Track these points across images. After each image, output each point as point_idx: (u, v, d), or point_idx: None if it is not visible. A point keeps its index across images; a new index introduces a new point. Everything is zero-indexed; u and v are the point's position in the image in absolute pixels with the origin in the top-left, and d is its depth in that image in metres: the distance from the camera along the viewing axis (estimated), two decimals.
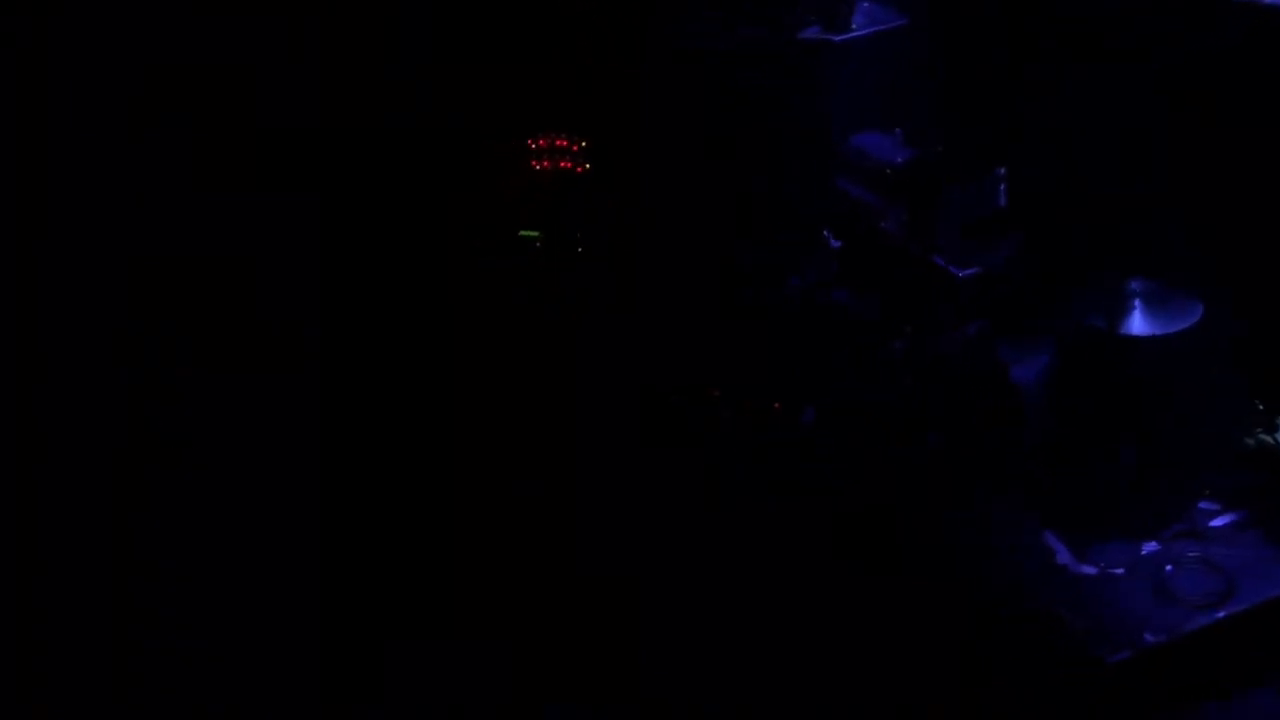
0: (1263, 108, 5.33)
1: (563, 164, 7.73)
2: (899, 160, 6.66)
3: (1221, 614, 4.90)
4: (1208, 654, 4.89)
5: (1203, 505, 5.26)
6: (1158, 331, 5.08)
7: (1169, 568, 5.08)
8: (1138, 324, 5.12)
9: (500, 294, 7.11)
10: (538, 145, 7.71)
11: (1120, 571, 5.14)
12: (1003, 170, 6.38)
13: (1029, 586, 5.21)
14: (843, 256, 6.91)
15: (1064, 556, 5.29)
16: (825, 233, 6.97)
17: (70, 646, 5.09)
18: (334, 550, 5.65)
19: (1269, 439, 5.23)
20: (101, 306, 5.74)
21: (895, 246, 6.71)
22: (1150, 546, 5.15)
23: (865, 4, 7.15)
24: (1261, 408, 5.28)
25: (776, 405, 6.90)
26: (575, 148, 7.62)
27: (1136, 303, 5.16)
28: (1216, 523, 5.22)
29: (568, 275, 7.43)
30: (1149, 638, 4.83)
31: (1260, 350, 5.46)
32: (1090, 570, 5.20)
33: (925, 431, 6.13)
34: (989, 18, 6.45)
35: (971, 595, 5.45)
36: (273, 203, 6.45)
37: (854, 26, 7.00)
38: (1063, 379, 5.45)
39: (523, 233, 7.44)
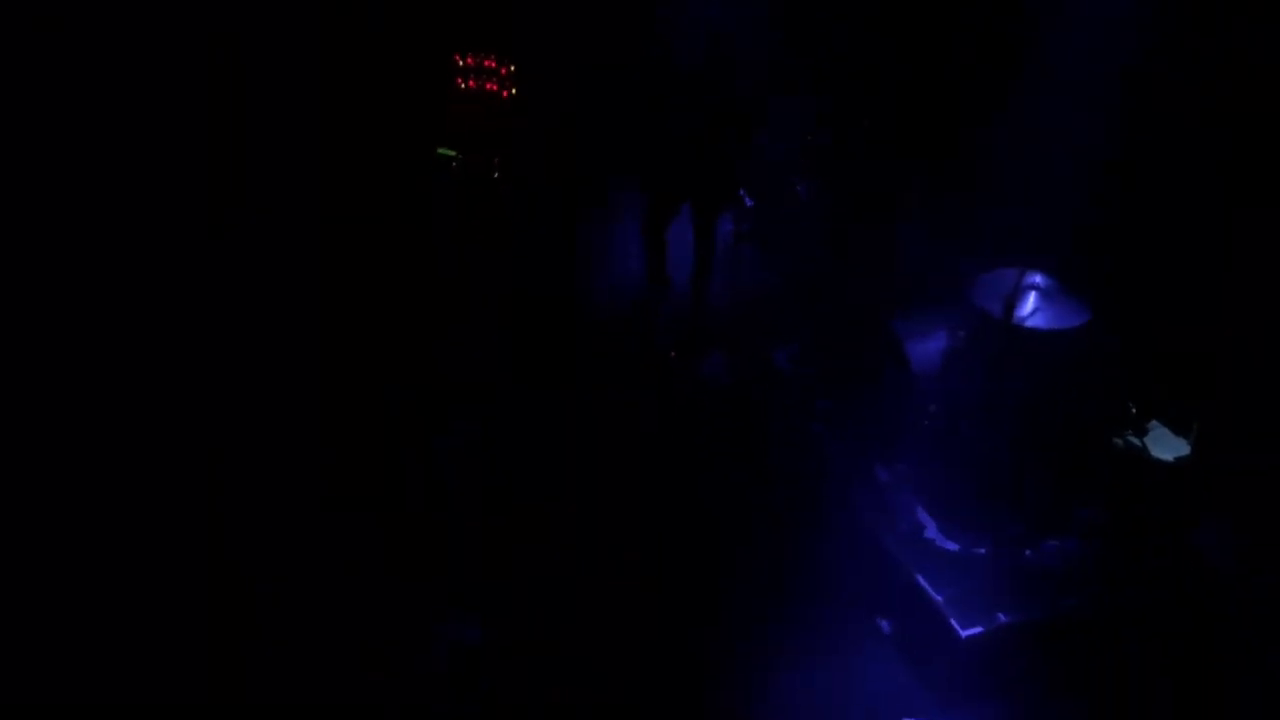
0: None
1: (488, 85, 7.59)
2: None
3: (1073, 601, 5.16)
4: (1055, 637, 5.14)
5: (1069, 497, 5.47)
6: (1050, 326, 5.25)
7: (1028, 553, 5.30)
8: (1031, 316, 5.28)
9: (413, 209, 6.99)
10: (465, 63, 7.55)
11: (982, 551, 5.35)
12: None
13: (894, 555, 5.38)
14: (756, 214, 6.97)
15: (931, 531, 5.47)
16: (741, 192, 7.01)
17: None
18: None
19: (1136, 442, 5.47)
20: None
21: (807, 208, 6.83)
22: (1014, 531, 5.34)
23: None
24: (1134, 411, 5.51)
25: (672, 354, 6.98)
26: (503, 70, 7.49)
27: (1034, 296, 5.32)
28: (1080, 515, 5.44)
29: (479, 197, 7.33)
30: (1001, 617, 5.05)
31: (1140, 357, 5.72)
32: (953, 547, 5.39)
33: (815, 398, 6.28)
34: None
35: (837, 558, 5.61)
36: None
37: None
38: (954, 360, 5.60)
39: (440, 150, 7.30)
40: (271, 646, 5.12)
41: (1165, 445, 5.52)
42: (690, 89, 6.66)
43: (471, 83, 7.59)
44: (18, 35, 5.53)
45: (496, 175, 7.32)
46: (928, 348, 5.70)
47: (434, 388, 6.43)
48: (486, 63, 7.60)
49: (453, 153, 7.41)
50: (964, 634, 4.97)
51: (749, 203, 7.00)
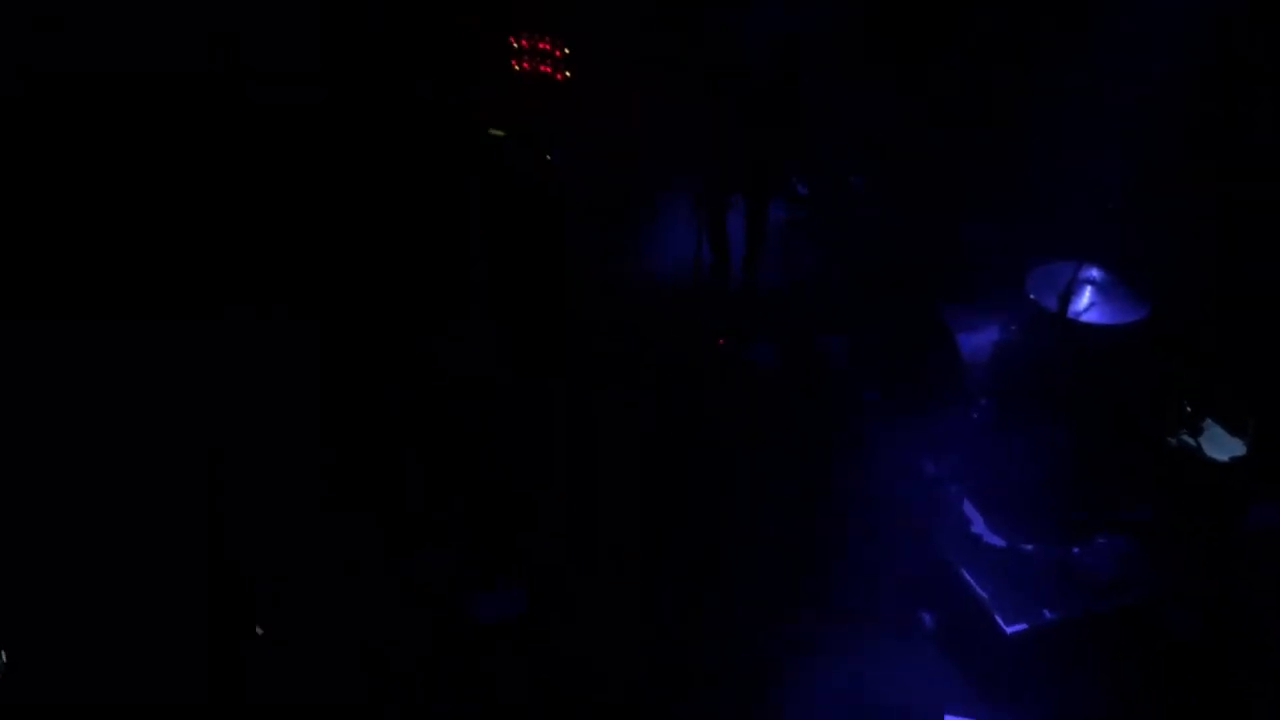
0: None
1: (543, 68, 7.58)
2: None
3: (1120, 600, 5.10)
4: (1101, 635, 5.08)
5: (1119, 495, 5.40)
6: (1106, 321, 5.18)
7: (1076, 550, 5.24)
8: (1087, 311, 5.21)
9: (464, 187, 7.00)
10: (520, 45, 7.55)
11: (1029, 548, 5.29)
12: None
13: (940, 549, 5.33)
14: (810, 202, 6.93)
15: (978, 526, 5.42)
16: (794, 180, 6.98)
17: None
18: None
19: (1190, 441, 5.38)
20: None
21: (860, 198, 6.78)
22: (1062, 528, 5.28)
23: None
24: (1189, 409, 5.41)
25: (721, 341, 6.96)
26: (559, 53, 7.48)
27: (1089, 291, 5.25)
28: (1131, 514, 5.37)
29: (529, 181, 7.34)
30: (1047, 614, 5.00)
31: (1195, 354, 5.63)
32: (999, 543, 5.34)
33: (864, 390, 6.24)
34: None
35: (883, 551, 5.58)
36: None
37: None
38: (1006, 353, 5.55)
39: (491, 130, 7.31)
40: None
41: (1220, 445, 5.41)
42: (749, 80, 6.63)
43: (526, 65, 7.60)
44: None
45: (547, 159, 7.31)
46: (979, 340, 5.65)
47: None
48: (541, 45, 7.60)
49: (502, 133, 7.41)
50: (1009, 630, 4.92)
51: (802, 191, 6.96)
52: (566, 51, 7.54)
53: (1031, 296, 5.27)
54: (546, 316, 7.06)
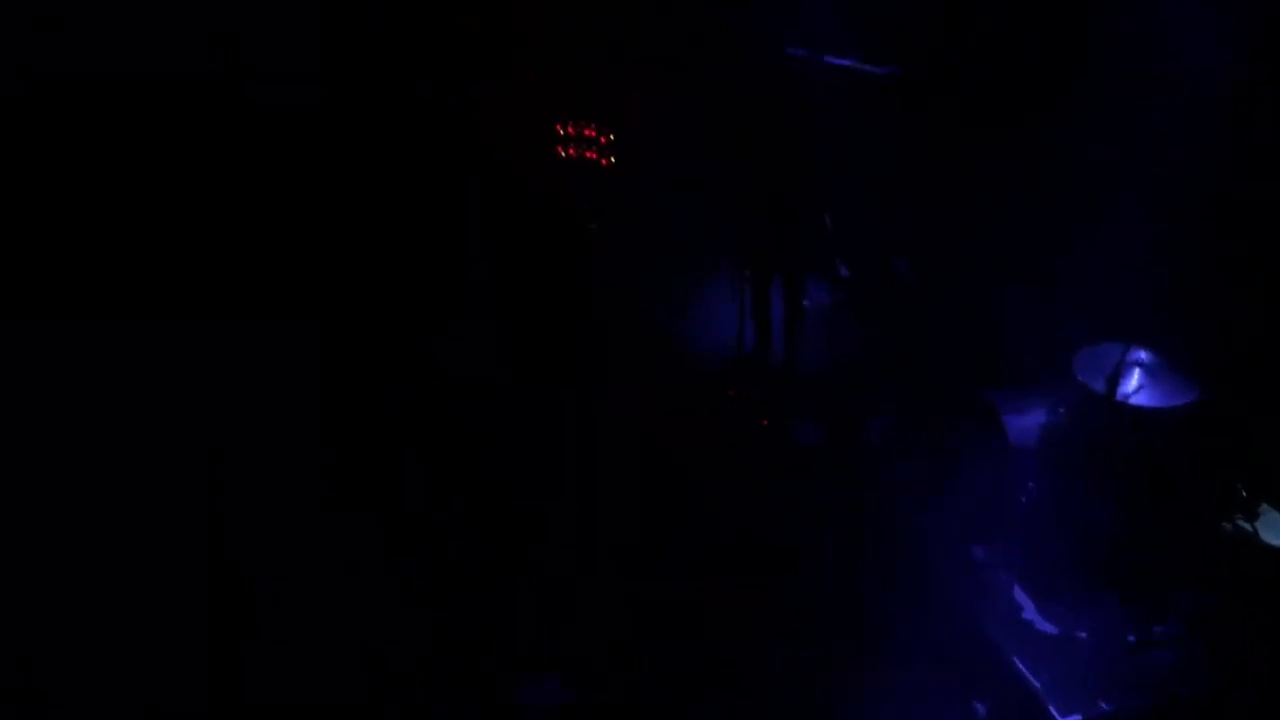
0: None
1: (588, 154, 7.72)
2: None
3: (1178, 691, 4.96)
4: None
5: (1175, 582, 5.28)
6: (1155, 404, 5.12)
7: (1132, 638, 5.11)
8: (1136, 394, 5.16)
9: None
10: (566, 131, 7.71)
11: (1083, 635, 5.18)
12: None
13: (991, 636, 5.23)
14: (852, 284, 6.95)
15: (1030, 612, 5.32)
16: (838, 261, 7.01)
17: None
18: None
19: (1246, 526, 5.26)
20: None
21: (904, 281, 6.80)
22: (1117, 615, 5.17)
23: None
24: (1244, 493, 5.31)
25: (764, 422, 6.94)
26: (604, 139, 7.62)
27: (1138, 373, 5.20)
28: (1186, 603, 5.24)
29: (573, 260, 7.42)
30: (1103, 705, 4.87)
31: (1250, 437, 5.53)
32: (1052, 630, 5.23)
33: (908, 472, 6.18)
34: None
35: (934, 639, 5.49)
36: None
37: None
38: (1055, 437, 5.49)
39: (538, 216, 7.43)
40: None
41: (1277, 530, 5.30)
42: (790, 164, 6.70)
43: (571, 150, 7.74)
44: None
45: (591, 241, 7.42)
46: (1026, 423, 5.60)
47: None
48: (587, 131, 7.74)
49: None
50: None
51: (844, 273, 6.98)
52: (611, 138, 7.68)
53: (1079, 379, 5.23)
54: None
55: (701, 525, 5.97)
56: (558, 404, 6.62)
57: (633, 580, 5.66)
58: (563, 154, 7.69)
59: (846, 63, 6.80)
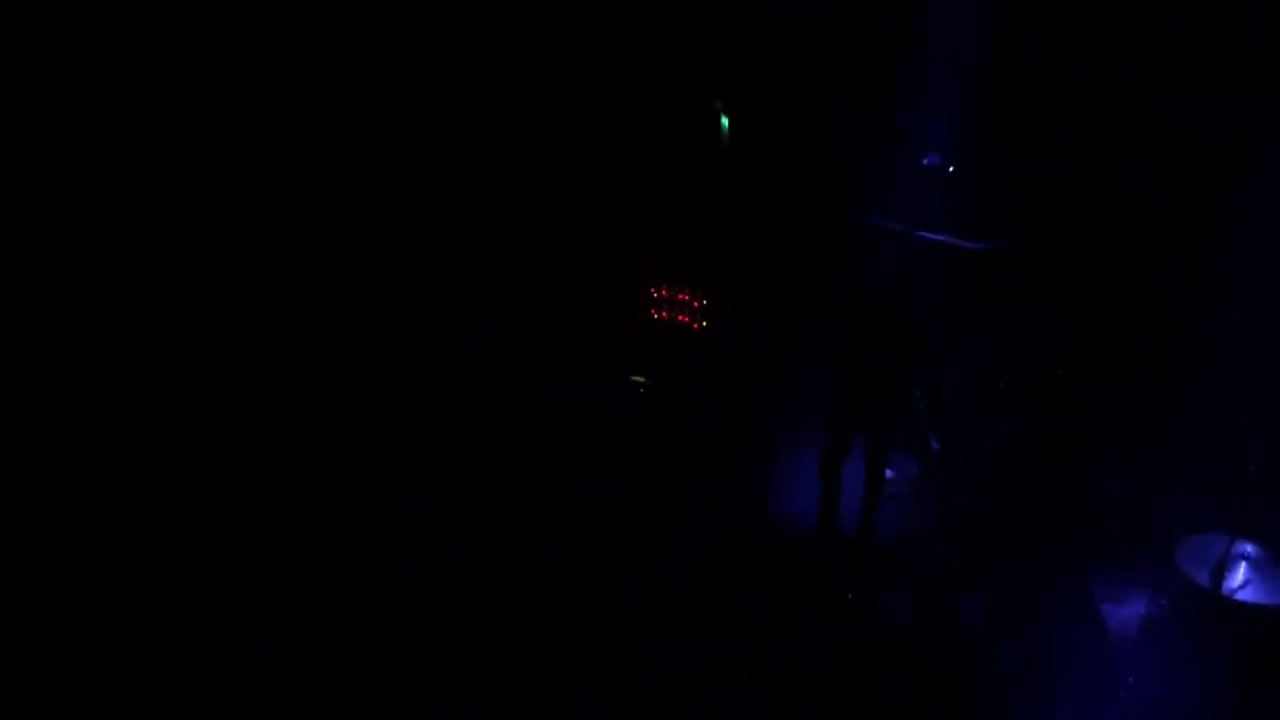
0: None
1: (680, 317, 7.87)
2: None
3: None
4: None
5: None
6: (1262, 600, 4.95)
7: None
8: (1242, 589, 5.00)
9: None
10: (660, 295, 7.88)
11: None
12: None
13: None
14: (943, 458, 6.88)
15: None
16: (928, 436, 6.97)
17: None
18: None
19: None
20: None
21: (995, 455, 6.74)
22: None
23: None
24: None
25: (850, 596, 6.80)
26: (696, 304, 7.77)
27: (1244, 567, 5.05)
28: None
29: (668, 423, 7.47)
30: None
31: None
32: None
33: (1002, 653, 5.99)
34: None
35: None
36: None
37: None
38: (1154, 628, 5.31)
39: (633, 376, 7.54)
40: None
41: None
42: (878, 335, 6.74)
43: (665, 314, 7.90)
44: None
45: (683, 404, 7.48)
46: (1125, 614, 5.43)
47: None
48: (680, 295, 7.92)
49: (642, 379, 7.64)
50: None
51: (935, 446, 6.93)
52: (704, 302, 7.84)
53: (1182, 569, 5.08)
54: None
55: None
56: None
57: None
58: (655, 316, 7.86)
59: (940, 238, 6.93)
